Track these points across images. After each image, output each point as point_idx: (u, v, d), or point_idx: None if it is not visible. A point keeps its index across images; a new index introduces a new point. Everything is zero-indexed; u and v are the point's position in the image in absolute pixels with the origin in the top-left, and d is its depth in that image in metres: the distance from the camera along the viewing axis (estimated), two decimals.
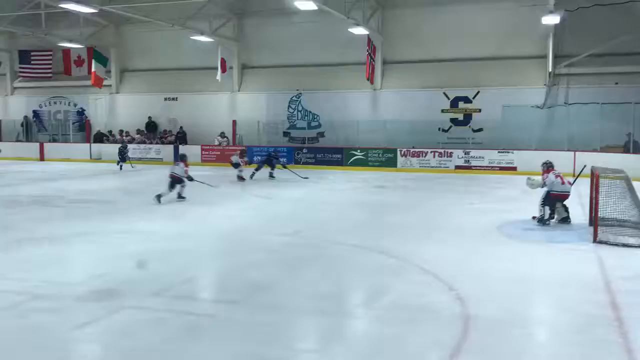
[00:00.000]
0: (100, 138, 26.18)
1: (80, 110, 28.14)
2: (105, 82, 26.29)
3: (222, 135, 24.18)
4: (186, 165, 13.28)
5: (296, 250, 8.77)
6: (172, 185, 13.04)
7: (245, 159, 18.54)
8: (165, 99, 26.24)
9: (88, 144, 25.92)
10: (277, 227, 10.50)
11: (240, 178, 17.55)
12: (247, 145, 23.70)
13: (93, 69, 25.33)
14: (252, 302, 6.26)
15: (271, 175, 18.36)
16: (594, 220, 9.14)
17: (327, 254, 8.54)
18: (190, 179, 13.32)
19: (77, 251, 8.72)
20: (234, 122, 24.69)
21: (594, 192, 9.38)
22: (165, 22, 21.09)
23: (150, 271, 7.43)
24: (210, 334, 5.37)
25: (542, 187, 10.49)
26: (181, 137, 24.98)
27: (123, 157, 21.80)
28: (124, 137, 25.09)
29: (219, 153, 23.78)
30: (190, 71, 25.24)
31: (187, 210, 12.31)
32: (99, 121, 27.33)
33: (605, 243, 8.66)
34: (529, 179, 10.93)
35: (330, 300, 6.34)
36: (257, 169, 18.22)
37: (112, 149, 23.55)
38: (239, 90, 25.17)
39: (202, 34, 21.94)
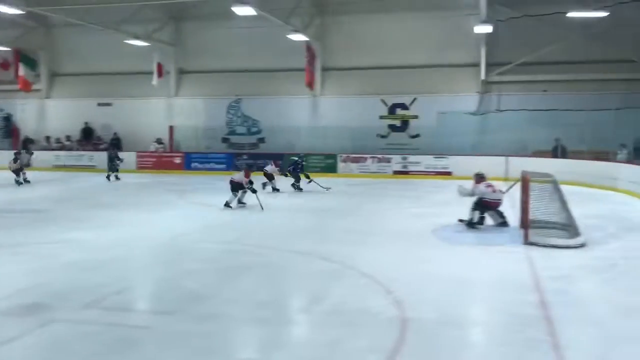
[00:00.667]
0: (26, 145, 25.01)
1: (6, 115, 26.86)
2: (34, 87, 25.24)
3: (159, 141, 23.67)
4: (247, 175, 13.23)
5: (234, 258, 8.65)
6: (234, 189, 13.23)
7: (278, 168, 16.79)
8: (99, 104, 25.38)
9: (14, 151, 24.72)
10: (215, 235, 10.36)
11: (275, 189, 16.35)
12: (184, 152, 23.36)
13: (20, 73, 24.29)
14: (189, 312, 6.12)
15: (297, 187, 16.77)
16: (525, 222, 9.49)
17: (266, 261, 8.46)
18: (253, 190, 13.14)
19: (4, 263, 8.27)
20: (171, 127, 24.21)
21: (524, 196, 9.72)
22: (98, 25, 20.47)
23: (82, 282, 7.14)
24: (144, 347, 5.21)
25: (472, 195, 10.80)
26: (115, 144, 24.26)
27: (113, 166, 20.14)
28: (55, 143, 24.12)
29: (155, 160, 23.26)
30: (125, 76, 24.54)
31: (121, 218, 11.95)
32: (27, 127, 26.18)
33: (535, 244, 8.99)
34: (459, 187, 11.24)
35: (270, 307, 6.28)
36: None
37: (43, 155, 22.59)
38: (176, 96, 24.71)
39: (137, 37, 21.41)
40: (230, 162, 22.43)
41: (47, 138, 24.76)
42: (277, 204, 14.42)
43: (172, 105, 24.73)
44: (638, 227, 10.98)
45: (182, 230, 10.76)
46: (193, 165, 22.96)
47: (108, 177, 19.85)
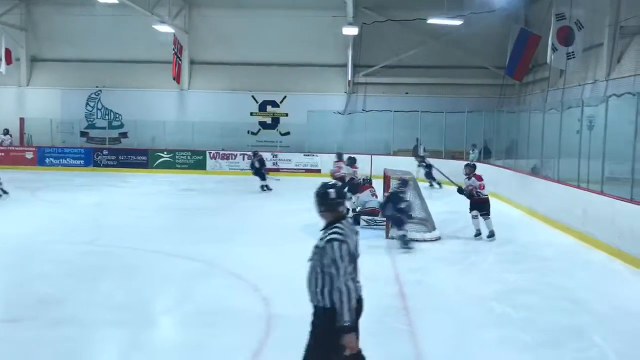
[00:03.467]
0: None
1: None
2: None
3: (5, 132, 21.58)
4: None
5: (91, 259, 8.12)
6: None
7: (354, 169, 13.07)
8: None
9: None
10: (70, 236, 9.66)
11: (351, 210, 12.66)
12: (37, 146, 21.60)
13: None
14: (41, 317, 5.67)
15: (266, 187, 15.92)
16: (386, 218, 9.90)
17: (126, 262, 8.04)
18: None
19: None
20: (22, 119, 22.26)
21: (385, 192, 10.15)
22: None
23: None
24: None
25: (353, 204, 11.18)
26: None
27: None
28: None
29: (2, 154, 21.23)
30: None
31: None
32: None
33: (395, 239, 9.42)
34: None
35: (130, 310, 5.97)
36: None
37: None
38: (27, 85, 22.76)
39: None
40: (89, 157, 21.11)
41: None
42: (139, 204, 13.80)
43: (23, 95, 22.77)
44: None
45: (34, 231, 9.94)
46: (47, 160, 21.28)
47: None
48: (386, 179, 10.36)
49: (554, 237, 10.28)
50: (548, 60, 15.54)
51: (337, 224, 3.70)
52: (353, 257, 3.68)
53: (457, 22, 18.12)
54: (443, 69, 21.31)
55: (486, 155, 17.42)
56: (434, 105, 20.31)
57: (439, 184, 16.92)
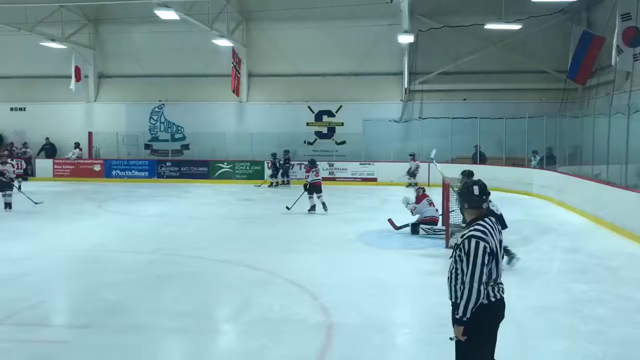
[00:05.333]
0: None
1: None
2: None
3: (76, 145, 22.62)
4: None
5: (156, 268, 8.40)
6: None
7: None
8: (12, 109, 24.08)
9: None
10: (135, 245, 10.01)
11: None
12: (104, 159, 22.53)
13: None
14: (109, 324, 5.89)
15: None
16: (446, 227, 9.78)
17: (190, 270, 8.26)
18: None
19: None
20: (90, 133, 23.29)
21: (445, 201, 10.03)
22: (11, 25, 19.40)
23: None
24: None
25: (412, 213, 11.06)
26: (49, 150, 23.06)
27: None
28: None
29: (73, 167, 22.27)
30: (41, 79, 23.42)
31: (35, 229, 11.34)
32: None
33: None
34: (405, 198, 11.42)
35: (194, 317, 6.13)
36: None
37: None
38: (95, 100, 23.81)
39: (53, 40, 20.45)
40: (153, 169, 21.83)
41: None
42: (201, 214, 14.16)
43: (92, 110, 23.80)
44: (550, 230, 11.55)
45: (102, 240, 10.35)
46: (114, 172, 22.18)
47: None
48: (445, 188, 10.23)
49: (622, 245, 9.86)
50: (613, 63, 14.93)
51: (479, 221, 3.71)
52: (492, 256, 3.65)
53: (516, 27, 17.74)
54: (502, 74, 20.86)
55: (549, 161, 16.91)
56: (493, 111, 19.90)
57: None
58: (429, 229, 10.73)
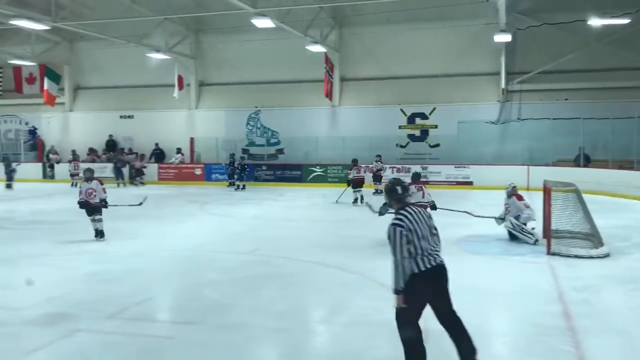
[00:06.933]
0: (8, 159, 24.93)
1: (32, 129, 27.39)
2: (58, 100, 25.68)
3: (178, 150, 23.80)
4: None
5: (254, 268, 8.67)
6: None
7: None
8: (121, 116, 25.80)
9: (40, 163, 25.28)
10: (234, 246, 10.38)
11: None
12: (205, 163, 23.54)
13: (45, 87, 24.70)
14: (211, 322, 6.15)
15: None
16: (547, 232, 9.36)
17: (285, 271, 8.47)
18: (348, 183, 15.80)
19: (28, 274, 8.36)
20: (192, 139, 24.45)
21: (546, 206, 9.60)
22: (120, 39, 20.80)
23: (104, 293, 7.21)
24: (168, 356, 5.25)
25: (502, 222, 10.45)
26: (158, 154, 24.56)
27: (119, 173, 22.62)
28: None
29: (176, 171, 23.49)
30: (147, 88, 24.92)
31: (141, 230, 12.06)
32: (52, 140, 26.65)
33: (558, 254, 8.86)
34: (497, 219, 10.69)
35: (290, 317, 6.28)
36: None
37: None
38: (196, 108, 24.98)
39: (158, 51, 21.70)
40: (251, 173, 22.56)
41: (73, 152, 24.54)
42: (295, 216, 14.45)
43: (193, 117, 25.00)
44: None
45: (203, 241, 10.84)
46: (213, 176, 23.14)
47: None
48: (546, 191, 9.79)
49: None
50: None
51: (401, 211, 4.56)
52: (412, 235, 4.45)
53: (624, 21, 16.67)
54: (607, 72, 19.64)
55: None
56: (597, 111, 18.76)
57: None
58: (519, 225, 10.17)
